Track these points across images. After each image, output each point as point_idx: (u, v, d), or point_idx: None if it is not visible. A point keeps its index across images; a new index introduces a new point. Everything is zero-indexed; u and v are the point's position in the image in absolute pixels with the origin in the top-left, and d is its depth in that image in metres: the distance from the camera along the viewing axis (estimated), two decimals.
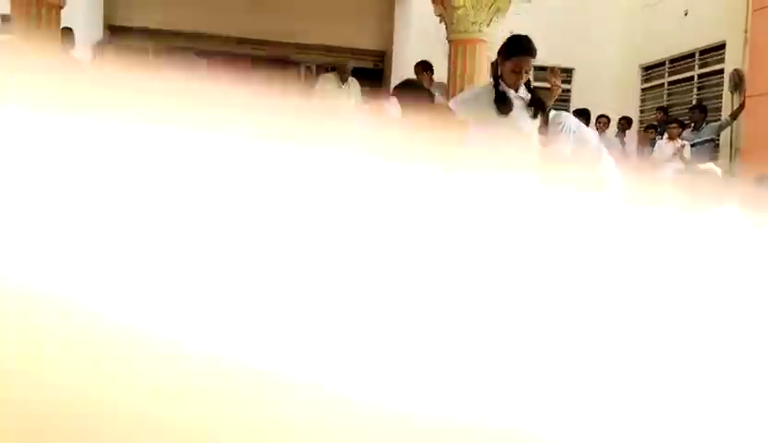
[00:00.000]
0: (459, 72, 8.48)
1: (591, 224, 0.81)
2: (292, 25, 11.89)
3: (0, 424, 0.77)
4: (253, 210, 0.78)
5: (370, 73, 13.05)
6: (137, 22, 11.75)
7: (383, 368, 0.74)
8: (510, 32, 10.31)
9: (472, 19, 8.30)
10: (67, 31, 8.24)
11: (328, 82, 9.65)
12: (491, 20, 8.38)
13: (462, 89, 8.44)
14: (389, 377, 0.75)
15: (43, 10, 7.54)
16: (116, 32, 11.69)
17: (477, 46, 8.38)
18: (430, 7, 11.15)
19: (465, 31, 8.32)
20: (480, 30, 8.34)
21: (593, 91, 12.21)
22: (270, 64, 12.75)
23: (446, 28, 8.62)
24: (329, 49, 12.61)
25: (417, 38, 12.21)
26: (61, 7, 7.80)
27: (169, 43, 12.35)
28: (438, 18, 8.78)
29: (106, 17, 11.38)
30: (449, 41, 8.61)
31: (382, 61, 13.04)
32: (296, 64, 12.93)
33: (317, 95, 9.49)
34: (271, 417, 0.74)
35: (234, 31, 11.93)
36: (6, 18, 7.82)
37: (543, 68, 12.83)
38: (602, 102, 11.28)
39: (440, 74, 12.45)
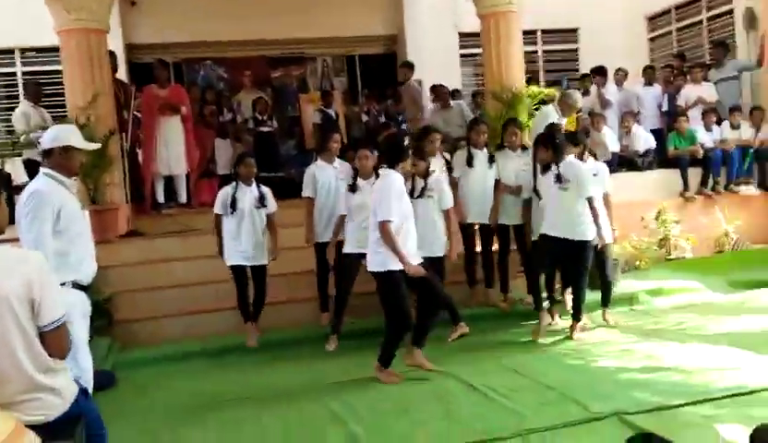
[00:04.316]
0: (492, 47, 8.62)
1: None
2: (302, 22, 12.03)
3: None
4: None
5: (382, 59, 13.27)
6: (153, 38, 11.88)
7: None
8: None
9: None
10: (112, 55, 8.33)
11: None
12: None
13: (497, 65, 8.64)
14: None
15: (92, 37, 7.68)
16: (135, 49, 11.82)
17: (510, 17, 8.56)
18: None
19: (497, 4, 8.49)
20: (510, 2, 8.52)
21: (600, 49, 12.49)
22: (287, 61, 12.94)
23: (474, 3, 8.77)
24: (339, 40, 12.79)
25: (429, 19, 12.44)
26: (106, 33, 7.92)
27: (187, 54, 12.54)
28: None
29: (124, 36, 11.46)
30: (479, 16, 8.77)
31: (395, 45, 13.22)
32: (312, 58, 13.09)
33: None
34: None
35: (248, 35, 12.06)
36: None
37: (553, 31, 13.19)
38: (610, 58, 11.50)
39: (452, 57, 12.71)
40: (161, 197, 8.66)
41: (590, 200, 5.90)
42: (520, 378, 4.92)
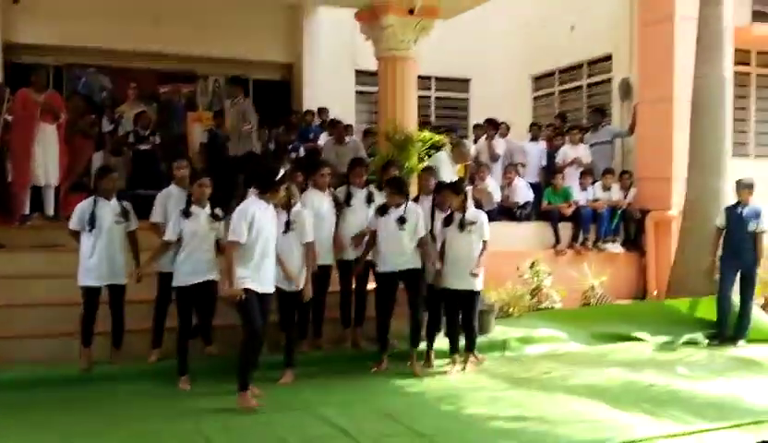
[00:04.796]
0: (389, 89, 8.76)
1: None
2: (196, 39, 11.77)
3: None
4: None
5: (277, 85, 13.17)
6: (35, 39, 11.21)
7: None
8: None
9: (400, 38, 8.66)
10: None
11: None
12: (417, 38, 8.77)
13: (392, 107, 8.77)
14: None
15: None
16: (13, 49, 11.10)
17: (408, 63, 8.75)
18: (339, 22, 11.50)
19: (396, 49, 8.65)
20: (408, 49, 8.72)
21: (489, 100, 13.02)
22: (176, 77, 12.53)
23: (374, 46, 8.92)
24: (234, 62, 12.58)
25: (326, 51, 12.51)
26: None
27: (70, 59, 11.90)
28: (365, 37, 9.08)
29: (3, 34, 10.74)
30: (377, 58, 8.92)
31: (291, 74, 13.16)
32: (204, 77, 12.79)
33: None
34: None
35: (137, 46, 11.62)
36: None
37: (446, 79, 13.61)
38: (497, 110, 11.96)
39: (347, 92, 12.80)
40: (26, 209, 8.06)
41: (421, 240, 6.33)
42: (392, 424, 4.90)
